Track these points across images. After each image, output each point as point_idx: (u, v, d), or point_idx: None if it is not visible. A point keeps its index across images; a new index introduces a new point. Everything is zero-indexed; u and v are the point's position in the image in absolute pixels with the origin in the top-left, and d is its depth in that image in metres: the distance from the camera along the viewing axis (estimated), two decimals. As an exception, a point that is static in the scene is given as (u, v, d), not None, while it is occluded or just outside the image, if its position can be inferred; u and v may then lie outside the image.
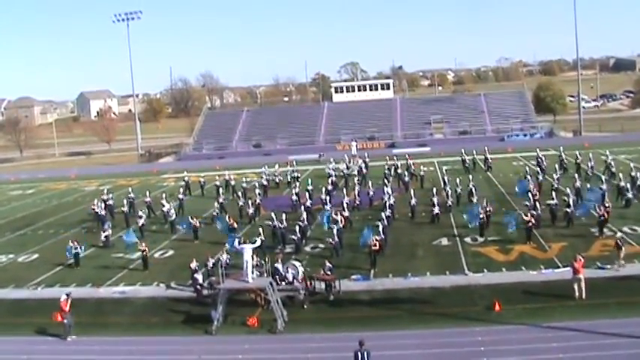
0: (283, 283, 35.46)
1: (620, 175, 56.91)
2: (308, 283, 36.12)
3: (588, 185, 55.90)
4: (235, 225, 48.67)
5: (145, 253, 44.53)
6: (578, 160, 67.34)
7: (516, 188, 58.05)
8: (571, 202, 48.26)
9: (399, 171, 68.76)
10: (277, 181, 73.60)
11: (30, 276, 44.44)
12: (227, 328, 32.39)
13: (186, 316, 34.85)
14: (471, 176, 61.78)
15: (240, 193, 63.27)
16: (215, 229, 51.17)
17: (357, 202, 57.04)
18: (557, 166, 65.00)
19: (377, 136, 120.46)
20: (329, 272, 36.62)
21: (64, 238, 55.27)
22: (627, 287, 33.97)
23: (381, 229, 44.20)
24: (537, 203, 49.22)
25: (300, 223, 47.42)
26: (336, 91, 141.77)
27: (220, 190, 67.13)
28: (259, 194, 61.37)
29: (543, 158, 70.50)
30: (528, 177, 61.03)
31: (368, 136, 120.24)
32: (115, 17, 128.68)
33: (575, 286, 32.91)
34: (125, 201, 61.81)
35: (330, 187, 59.61)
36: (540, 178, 60.92)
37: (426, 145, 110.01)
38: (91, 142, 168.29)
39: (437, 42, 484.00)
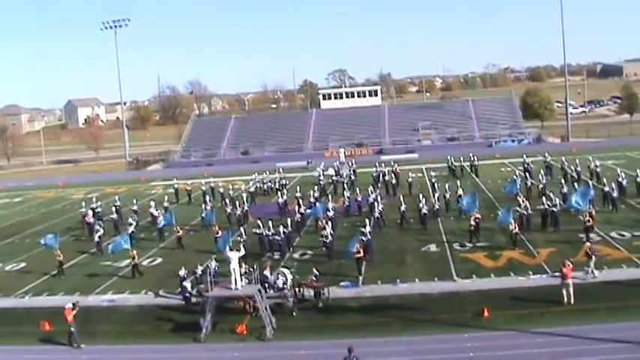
0: (272, 290, 35.42)
1: (605, 180, 57.25)
2: (297, 290, 36.11)
3: (576, 186, 56.35)
4: (220, 233, 48.52)
5: (134, 260, 44.45)
6: (564, 166, 67.72)
7: (505, 188, 58.51)
8: (558, 204, 48.65)
9: (387, 178, 68.75)
10: (266, 188, 73.47)
11: (17, 285, 44.22)
12: (216, 335, 32.30)
13: (174, 324, 34.73)
14: (459, 182, 61.93)
15: (228, 200, 63.11)
16: (203, 237, 51.04)
17: (345, 209, 57.01)
18: (543, 171, 65.20)
19: (365, 143, 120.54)
20: (314, 278, 36.59)
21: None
22: (616, 292, 34.03)
23: (368, 230, 44.48)
24: (527, 203, 49.86)
25: (285, 230, 47.48)
26: (324, 98, 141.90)
27: (207, 197, 67.02)
28: (246, 201, 61.30)
29: (530, 163, 70.93)
30: (517, 180, 61.24)
31: (356, 143, 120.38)
32: (103, 25, 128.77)
33: (564, 292, 32.96)
34: (114, 209, 61.66)
35: (317, 195, 59.26)
36: (529, 183, 60.95)
37: (414, 152, 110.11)
38: (78, 150, 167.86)
39: (425, 48, 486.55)
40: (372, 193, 58.14)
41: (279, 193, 62.98)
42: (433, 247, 46.05)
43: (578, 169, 65.46)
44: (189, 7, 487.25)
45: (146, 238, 55.39)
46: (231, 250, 36.01)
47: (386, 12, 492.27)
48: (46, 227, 64.81)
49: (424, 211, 51.91)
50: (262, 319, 32.10)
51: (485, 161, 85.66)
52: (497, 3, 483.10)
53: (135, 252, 45.64)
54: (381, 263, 42.85)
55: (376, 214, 52.23)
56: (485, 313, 32.14)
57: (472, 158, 77.64)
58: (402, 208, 53.21)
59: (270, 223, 48.71)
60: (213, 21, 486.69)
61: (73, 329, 32.50)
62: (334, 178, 74.02)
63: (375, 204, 53.91)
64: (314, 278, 36.63)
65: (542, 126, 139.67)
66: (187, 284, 37.40)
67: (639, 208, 50.22)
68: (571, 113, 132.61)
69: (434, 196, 56.98)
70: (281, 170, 79.84)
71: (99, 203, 64.63)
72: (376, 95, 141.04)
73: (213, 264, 39.08)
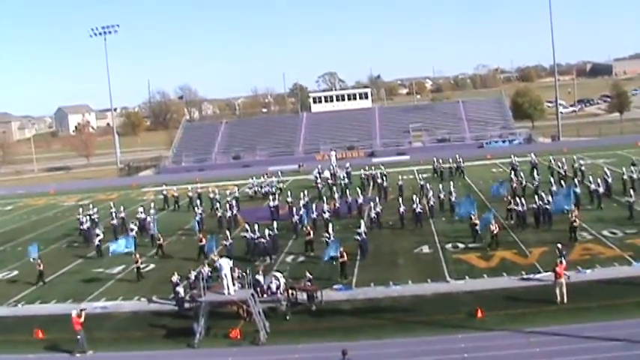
0: (265, 294, 35.39)
1: (590, 177, 57.64)
2: (290, 293, 36.10)
3: (563, 184, 56.95)
4: (203, 241, 48.40)
5: (137, 264, 44.83)
6: (552, 165, 68.48)
7: (492, 190, 58.79)
8: (550, 200, 49.30)
9: (379, 181, 68.70)
10: (264, 192, 73.15)
11: (10, 293, 44.06)
12: (209, 340, 32.26)
13: (168, 329, 34.67)
14: (452, 183, 62.16)
15: (218, 205, 63.03)
16: (196, 242, 50.95)
17: (334, 211, 57.13)
18: (536, 171, 65.47)
19: (356, 146, 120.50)
20: (309, 282, 36.60)
21: (44, 254, 55.08)
22: (608, 290, 34.15)
23: (362, 231, 45.10)
24: (523, 200, 50.47)
25: (271, 232, 47.66)
26: (315, 102, 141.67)
27: (197, 201, 67.11)
28: (234, 205, 61.51)
29: (517, 163, 71.96)
30: (513, 179, 62.07)
31: (347, 146, 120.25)
32: (92, 31, 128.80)
33: (557, 291, 33.03)
34: (114, 214, 61.70)
35: (307, 199, 59.02)
36: (515, 184, 61.03)
37: (405, 154, 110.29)
38: (69, 157, 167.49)
39: (414, 50, 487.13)
40: (360, 195, 59.46)
41: (270, 197, 62.97)
42: (426, 249, 46.12)
43: (565, 167, 66.16)
44: (178, 13, 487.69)
45: (139, 244, 55.20)
46: (222, 256, 36.06)
47: (375, 14, 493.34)
48: (38, 235, 64.68)
49: (418, 209, 52.40)
50: (256, 323, 32.07)
51: (477, 162, 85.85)
52: (487, 4, 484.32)
53: (138, 255, 46.02)
54: (374, 265, 42.92)
55: (372, 215, 52.43)
56: (479, 314, 32.18)
57: (458, 160, 77.75)
58: (402, 209, 53.37)
59: (256, 226, 48.69)
60: (202, 26, 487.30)
61: (79, 337, 32.37)
62: (330, 181, 74.18)
63: (372, 205, 54.03)
64: (308, 283, 36.62)
65: (532, 126, 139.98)
66: (180, 290, 37.36)
67: (626, 206, 50.24)
68: (561, 113, 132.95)
69: (426, 197, 57.07)
70: (279, 174, 80.00)
71: (95, 210, 64.36)
72: (366, 98, 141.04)
73: (206, 269, 39.00)
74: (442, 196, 57.65)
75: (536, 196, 51.26)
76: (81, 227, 59.63)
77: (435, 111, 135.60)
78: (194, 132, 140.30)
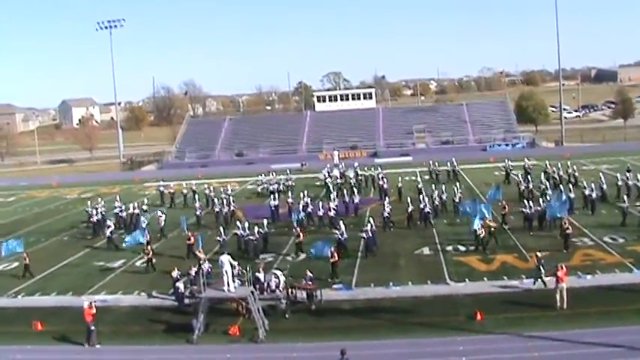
0: (264, 292, 35.38)
1: (584, 182, 57.68)
2: (289, 292, 36.10)
3: (561, 188, 57.50)
4: (192, 239, 48.41)
5: (149, 256, 45.25)
6: (547, 169, 69.09)
7: (489, 196, 58.84)
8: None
9: (381, 182, 68.52)
10: (272, 189, 72.98)
11: (10, 284, 44.07)
12: (208, 337, 32.26)
13: (167, 325, 34.68)
14: (458, 184, 62.43)
15: (215, 201, 63.19)
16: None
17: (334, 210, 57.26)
18: (531, 175, 66.07)
19: (359, 146, 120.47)
20: (310, 282, 36.59)
21: (45, 246, 55.27)
22: (608, 296, 34.16)
23: (369, 229, 45.60)
24: (528, 202, 51.34)
25: (261, 230, 48.05)
26: (319, 100, 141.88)
27: (196, 197, 67.20)
28: (232, 202, 61.89)
29: (512, 167, 73.48)
30: (521, 182, 62.52)
31: (350, 146, 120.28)
32: (98, 25, 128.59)
33: (557, 296, 33.00)
34: (123, 207, 61.97)
35: (307, 199, 58.87)
36: (522, 187, 61.10)
37: (408, 155, 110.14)
38: (73, 150, 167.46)
39: (419, 52, 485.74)
40: (356, 195, 60.69)
41: (271, 196, 62.92)
42: (426, 250, 46.12)
43: (560, 172, 66.58)
44: (184, 8, 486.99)
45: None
46: (222, 253, 36.10)
47: (381, 15, 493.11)
48: (40, 227, 64.79)
49: (427, 209, 53.44)
50: (255, 320, 32.07)
51: (479, 165, 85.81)
52: (493, 7, 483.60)
53: (150, 247, 46.36)
54: (374, 266, 42.93)
55: (386, 215, 52.63)
56: (478, 317, 32.16)
57: (453, 163, 77.61)
58: (409, 209, 53.66)
59: (246, 223, 49.09)
60: (208, 22, 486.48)
61: (92, 328, 32.44)
62: (339, 180, 74.24)
63: (384, 205, 54.20)
64: (309, 282, 36.59)
65: (536, 130, 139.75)
66: (180, 285, 37.37)
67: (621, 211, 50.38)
68: (565, 118, 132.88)
69: (430, 198, 57.00)
70: (287, 172, 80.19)
71: (102, 203, 64.14)
72: (371, 98, 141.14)
73: (207, 265, 39.00)
74: (444, 197, 57.70)
75: (540, 199, 51.49)
76: (90, 219, 59.71)
77: (439, 113, 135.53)
78: (197, 128, 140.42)
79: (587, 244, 44.54)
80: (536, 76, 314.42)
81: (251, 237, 47.23)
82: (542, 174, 67.78)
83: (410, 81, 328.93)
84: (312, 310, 35.38)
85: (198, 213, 59.41)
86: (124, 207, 61.98)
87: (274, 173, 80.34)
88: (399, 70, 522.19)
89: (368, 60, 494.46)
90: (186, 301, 36.88)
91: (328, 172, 77.80)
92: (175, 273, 38.32)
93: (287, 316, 34.58)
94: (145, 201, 67.10)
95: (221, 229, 49.64)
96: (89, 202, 65.40)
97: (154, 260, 45.52)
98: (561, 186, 60.39)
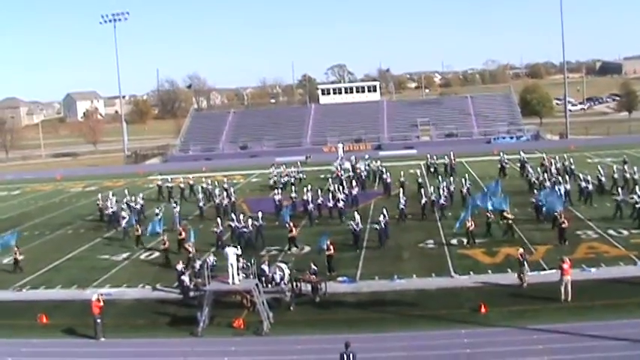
0: (269, 285, 35.39)
1: (581, 175, 57.93)
2: (294, 285, 36.12)
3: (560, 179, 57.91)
4: (183, 234, 48.43)
5: (165, 246, 45.49)
6: (544, 162, 69.17)
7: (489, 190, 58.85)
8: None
9: (384, 176, 68.36)
10: (284, 182, 73.11)
11: (15, 277, 44.17)
12: (213, 329, 32.30)
13: (172, 317, 34.73)
14: (467, 175, 62.68)
15: (217, 191, 63.63)
16: (202, 231, 51.07)
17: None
18: (525, 168, 66.31)
19: (363, 139, 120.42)
20: (313, 274, 36.59)
21: (50, 239, 55.37)
22: (613, 289, 34.09)
23: (382, 220, 46.12)
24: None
25: (256, 222, 48.31)
26: (323, 93, 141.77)
27: (199, 189, 67.33)
28: (232, 193, 62.43)
29: (507, 160, 74.47)
30: (531, 172, 63.52)
31: (355, 139, 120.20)
32: (102, 18, 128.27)
33: (562, 289, 32.96)
34: (137, 198, 62.36)
35: (310, 194, 58.71)
36: (533, 179, 61.31)
37: (412, 148, 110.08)
38: (77, 144, 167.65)
39: (424, 44, 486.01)
40: (353, 188, 61.50)
41: (275, 190, 62.84)
42: (431, 243, 46.11)
43: (558, 165, 66.94)
44: (188, 1, 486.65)
45: (143, 231, 55.34)
46: (227, 246, 36.17)
47: (385, 7, 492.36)
48: (44, 220, 64.89)
49: (442, 201, 54.43)
50: (259, 313, 32.09)
51: (484, 157, 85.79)
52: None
53: (166, 237, 46.48)
54: (379, 259, 42.96)
55: (401, 207, 52.73)
56: (483, 310, 32.16)
57: (451, 157, 77.41)
58: (423, 201, 54.25)
59: (241, 215, 49.45)
60: (212, 15, 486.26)
61: (98, 320, 32.50)
62: (351, 173, 74.25)
63: (400, 199, 54.20)
64: (313, 274, 36.61)
65: (540, 123, 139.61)
66: (185, 278, 37.39)
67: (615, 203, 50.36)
68: (570, 110, 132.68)
69: (441, 187, 56.92)
70: (298, 164, 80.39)
71: (114, 198, 63.86)
72: (375, 91, 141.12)
73: (212, 258, 39.00)
74: (452, 188, 57.76)
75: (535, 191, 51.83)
76: (105, 212, 59.90)
77: (444, 106, 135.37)
78: (202, 121, 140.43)
79: (592, 237, 44.49)
80: (541, 69, 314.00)
81: (244, 229, 47.51)
82: (540, 167, 67.76)
83: (414, 74, 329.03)
84: (317, 303, 35.41)
85: (201, 204, 60.03)
86: (133, 199, 62.02)
87: (285, 166, 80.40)
88: (403, 63, 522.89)
89: (372, 53, 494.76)
90: (191, 293, 36.92)
91: (340, 165, 78.27)
92: (180, 266, 38.33)
93: (291, 308, 34.60)
94: (142, 195, 66.93)
95: (218, 220, 49.78)
96: (100, 196, 65.32)
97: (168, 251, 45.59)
98: (559, 177, 60.64)
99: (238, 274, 32.93)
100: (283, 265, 36.92)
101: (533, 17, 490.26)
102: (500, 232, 46.24)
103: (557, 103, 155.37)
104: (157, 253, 48.22)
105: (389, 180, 66.07)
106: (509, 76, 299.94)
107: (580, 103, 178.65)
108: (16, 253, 46.36)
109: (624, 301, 32.19)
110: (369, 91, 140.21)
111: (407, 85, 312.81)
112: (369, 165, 77.19)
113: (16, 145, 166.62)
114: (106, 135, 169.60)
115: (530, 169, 65.54)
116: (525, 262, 35.84)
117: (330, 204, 56.03)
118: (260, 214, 50.04)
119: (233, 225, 48.82)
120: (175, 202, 58.97)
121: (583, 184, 55.54)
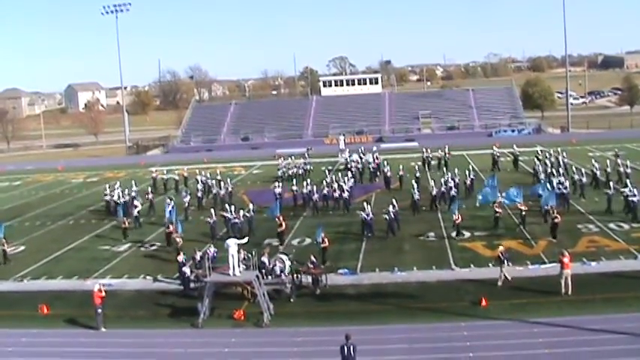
0: (270, 276, 35.42)
1: (574, 168, 58.44)
2: (295, 276, 36.15)
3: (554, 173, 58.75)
4: (171, 227, 48.37)
5: (173, 234, 45.59)
6: (539, 156, 69.14)
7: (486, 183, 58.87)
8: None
9: (385, 169, 68.20)
10: (291, 173, 72.98)
11: (16, 268, 44.25)
12: (213, 321, 32.36)
13: (172, 309, 34.78)
14: (470, 166, 63.03)
15: (214, 182, 64.49)
16: (202, 222, 51.12)
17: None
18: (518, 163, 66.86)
19: (365, 131, 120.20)
20: (312, 266, 36.59)
21: (51, 230, 55.42)
22: (613, 283, 34.12)
23: (392, 210, 46.61)
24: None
25: (247, 214, 48.79)
26: (325, 85, 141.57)
27: (198, 181, 67.26)
28: (229, 184, 63.17)
29: (499, 155, 74.41)
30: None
31: (356, 131, 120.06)
32: (104, 9, 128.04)
33: (562, 282, 32.98)
34: (150, 188, 63.49)
35: (310, 187, 58.60)
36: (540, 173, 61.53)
37: (414, 140, 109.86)
38: (78, 134, 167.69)
39: (426, 37, 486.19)
40: (348, 180, 61.09)
41: (276, 183, 62.76)
42: (432, 236, 46.13)
43: (552, 159, 66.93)
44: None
45: (145, 222, 55.45)
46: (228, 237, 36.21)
47: (388, 0, 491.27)
48: (45, 211, 64.94)
49: (453, 192, 54.47)
50: (260, 305, 32.14)
51: (485, 150, 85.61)
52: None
53: (173, 226, 46.68)
54: (379, 251, 42.98)
55: (416, 198, 53.06)
56: (483, 303, 32.20)
57: (446, 151, 77.24)
58: (434, 192, 54.60)
59: (232, 207, 49.75)
60: (214, 6, 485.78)
61: (99, 311, 32.56)
62: (359, 166, 74.14)
63: (414, 190, 54.20)
64: (311, 266, 36.62)
65: (542, 116, 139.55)
66: (186, 269, 37.42)
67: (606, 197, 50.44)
68: (571, 104, 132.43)
69: (445, 183, 56.87)
70: (306, 155, 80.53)
71: (119, 190, 63.78)
72: (377, 83, 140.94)
73: (212, 249, 39.03)
74: (457, 180, 57.69)
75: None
76: (116, 202, 59.72)
77: (445, 98, 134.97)
78: (203, 112, 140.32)
79: (593, 231, 44.50)
80: (543, 62, 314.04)
81: (236, 220, 47.92)
82: (535, 160, 67.73)
83: (416, 66, 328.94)
84: (317, 295, 35.46)
85: (199, 195, 60.60)
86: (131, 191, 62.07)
87: (292, 157, 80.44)
88: (405, 56, 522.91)
89: (374, 45, 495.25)
90: (192, 285, 36.96)
91: (348, 157, 78.78)
92: (181, 257, 38.34)
93: (292, 300, 34.64)
94: (150, 189, 66.83)
95: (212, 211, 49.91)
96: (107, 186, 65.13)
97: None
98: (553, 170, 60.95)
99: (239, 266, 32.97)
100: (284, 257, 36.95)
101: (536, 10, 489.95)
102: (503, 226, 46.22)
103: (558, 97, 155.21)
104: (158, 244, 48.28)
105: (389, 173, 66.03)
106: (511, 69, 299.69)
107: (582, 97, 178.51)
108: (3, 245, 46.40)
109: (624, 294, 32.23)
110: (370, 83, 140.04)
111: (408, 77, 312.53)
112: (376, 157, 76.94)
113: (18, 135, 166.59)
114: (108, 126, 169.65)
115: (538, 163, 65.40)
116: (506, 260, 35.63)
117: (337, 194, 56.13)
118: (252, 206, 50.54)
119: (227, 215, 49.02)
120: (170, 198, 58.70)
121: (576, 176, 56.20)
